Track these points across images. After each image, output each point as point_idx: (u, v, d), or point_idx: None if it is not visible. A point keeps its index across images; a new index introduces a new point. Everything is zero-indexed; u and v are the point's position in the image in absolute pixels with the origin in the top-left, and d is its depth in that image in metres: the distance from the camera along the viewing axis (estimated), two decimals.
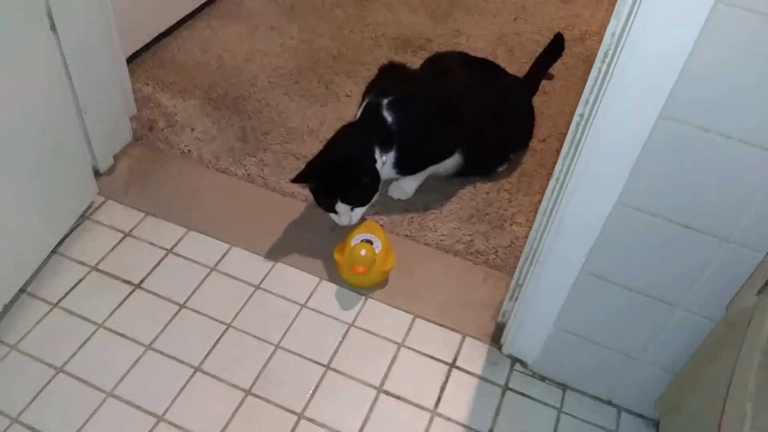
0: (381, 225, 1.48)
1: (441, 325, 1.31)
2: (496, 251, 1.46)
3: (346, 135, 1.38)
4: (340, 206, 1.34)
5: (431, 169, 1.52)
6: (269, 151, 1.64)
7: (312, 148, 1.64)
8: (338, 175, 1.31)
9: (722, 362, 0.87)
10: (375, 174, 1.35)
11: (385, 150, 1.38)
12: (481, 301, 1.36)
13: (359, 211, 1.36)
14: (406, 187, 1.55)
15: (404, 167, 1.44)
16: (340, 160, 1.32)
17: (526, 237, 1.25)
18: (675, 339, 1.02)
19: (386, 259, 1.36)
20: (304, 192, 1.52)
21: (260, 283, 1.36)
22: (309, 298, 1.34)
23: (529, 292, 1.11)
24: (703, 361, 0.96)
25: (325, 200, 1.35)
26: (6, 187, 1.19)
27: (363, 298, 1.35)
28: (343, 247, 1.37)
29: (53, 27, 1.27)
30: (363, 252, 1.31)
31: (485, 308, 1.35)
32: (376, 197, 1.39)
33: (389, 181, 1.55)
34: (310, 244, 1.44)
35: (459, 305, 1.35)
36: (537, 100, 1.80)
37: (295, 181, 1.32)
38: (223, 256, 1.40)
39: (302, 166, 1.37)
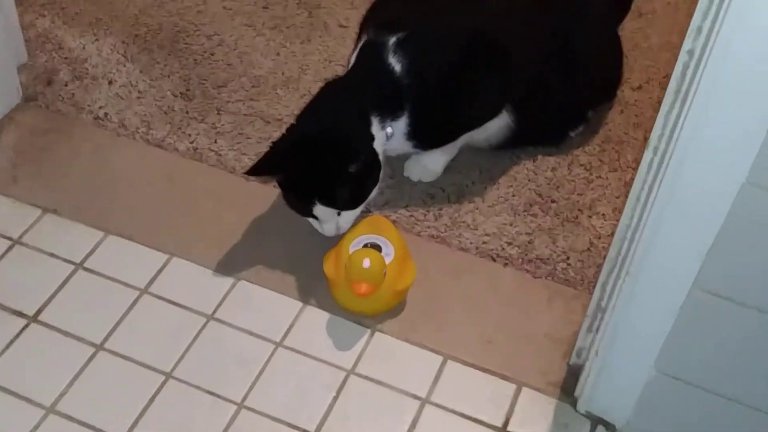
0: (394, 221, 1.47)
1: (485, 370, 1.32)
2: (567, 258, 1.46)
3: (327, 99, 1.39)
4: (321, 210, 1.35)
5: (466, 138, 1.51)
6: (225, 113, 1.64)
7: (290, 106, 1.63)
8: (312, 165, 1.32)
9: None
10: (371, 158, 1.36)
11: (390, 116, 1.39)
12: (545, 334, 1.36)
13: (349, 216, 1.38)
14: (430, 164, 1.54)
15: (424, 138, 1.45)
16: (314, 141, 1.33)
17: (612, 236, 1.24)
18: None
19: (402, 272, 1.36)
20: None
21: (214, 311, 1.36)
22: (286, 334, 1.34)
23: (616, 319, 1.12)
24: None
25: (298, 201, 1.36)
26: None
27: (367, 331, 1.35)
28: (337, 256, 1.37)
29: None
30: (367, 263, 1.31)
31: (550, 344, 1.35)
32: (374, 193, 1.40)
33: (404, 157, 1.55)
34: (288, 251, 1.43)
35: (511, 340, 1.35)
36: (628, 28, 1.78)
37: (251, 173, 1.34)
38: (158, 273, 1.40)
39: (275, 137, 1.40)
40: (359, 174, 1.35)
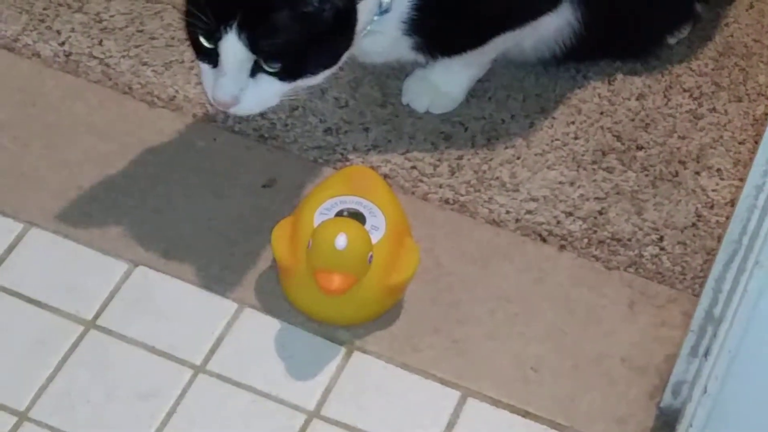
0: (385, 176, 1.41)
1: (525, 414, 1.25)
2: (661, 238, 1.39)
3: None
4: (231, 46, 1.23)
5: (501, 44, 1.43)
6: None
7: None
8: None
9: None
10: (347, 5, 1.27)
11: None
12: (622, 359, 1.30)
13: (269, 89, 1.28)
14: (444, 85, 1.47)
15: (434, 36, 1.38)
16: None
17: (733, 204, 1.26)
18: None
19: (396, 257, 1.29)
20: (202, 98, 1.46)
21: (96, 316, 1.28)
22: (212, 353, 1.27)
23: (738, 337, 1.07)
24: None
25: (209, 7, 1.25)
26: None
27: (341, 350, 1.28)
28: (294, 230, 1.30)
29: None
30: (341, 241, 1.23)
31: (630, 375, 1.30)
32: (332, 70, 1.32)
33: (402, 72, 1.49)
34: (215, 220, 1.39)
35: (567, 368, 1.29)
36: None
37: None
38: (7, 252, 1.34)
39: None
40: (321, 10, 1.25)
